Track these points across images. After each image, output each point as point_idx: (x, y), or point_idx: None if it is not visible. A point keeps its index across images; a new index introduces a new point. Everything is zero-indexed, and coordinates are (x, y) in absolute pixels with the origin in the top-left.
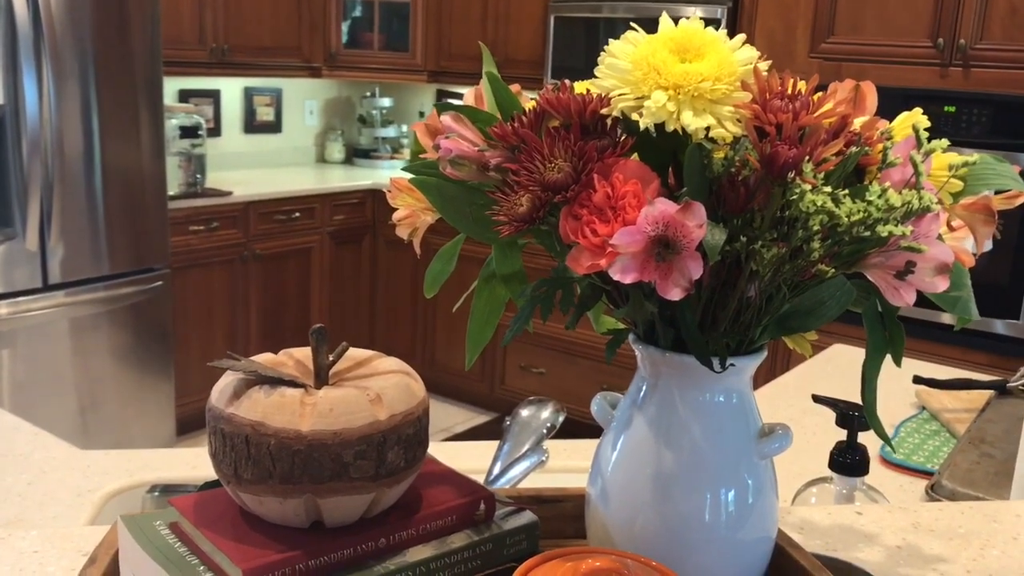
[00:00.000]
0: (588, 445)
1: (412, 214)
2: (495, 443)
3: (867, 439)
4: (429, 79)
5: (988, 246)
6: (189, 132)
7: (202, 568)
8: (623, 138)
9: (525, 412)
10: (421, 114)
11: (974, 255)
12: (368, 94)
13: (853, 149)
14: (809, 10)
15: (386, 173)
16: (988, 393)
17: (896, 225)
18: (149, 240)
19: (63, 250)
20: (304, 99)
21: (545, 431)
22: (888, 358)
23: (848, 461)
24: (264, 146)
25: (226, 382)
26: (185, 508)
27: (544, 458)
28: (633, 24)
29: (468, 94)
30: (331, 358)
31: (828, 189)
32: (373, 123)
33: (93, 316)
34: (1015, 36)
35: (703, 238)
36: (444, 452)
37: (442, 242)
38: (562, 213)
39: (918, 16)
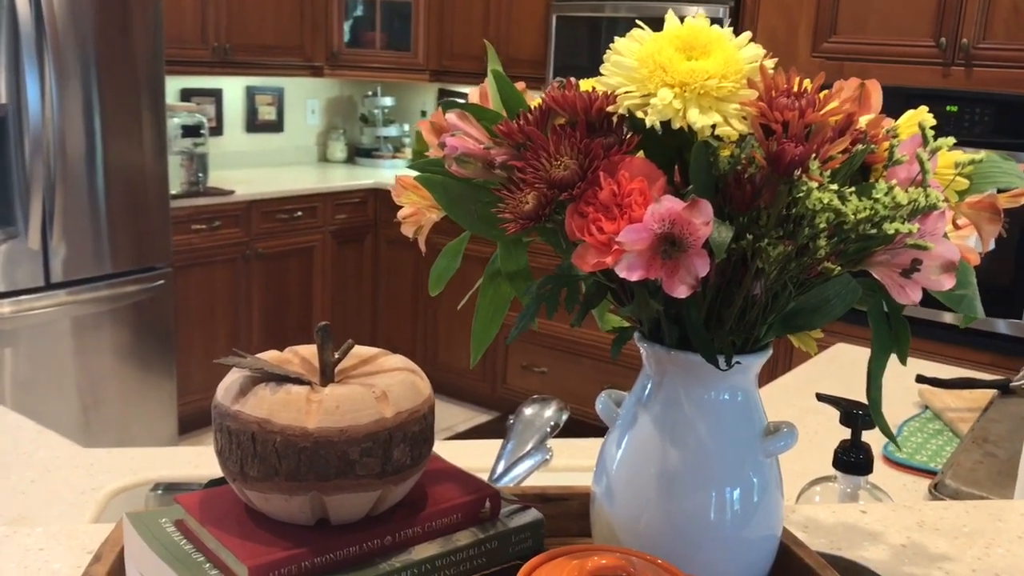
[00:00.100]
0: (591, 444)
1: (417, 212)
2: (497, 442)
3: (870, 438)
4: (431, 78)
5: (991, 245)
6: (191, 131)
7: (208, 565)
8: (629, 136)
9: (529, 410)
10: (423, 113)
11: (979, 253)
12: (370, 93)
13: (859, 147)
14: (811, 9)
15: (388, 172)
16: (991, 392)
17: (902, 223)
18: (151, 239)
19: (65, 249)
20: (306, 98)
21: (549, 430)
22: (893, 357)
23: (852, 460)
24: (266, 145)
25: (232, 379)
26: (191, 505)
27: (548, 456)
28: (639, 22)
29: (473, 92)
30: (337, 355)
31: (834, 187)
32: (375, 122)
33: (95, 315)
34: (1017, 36)
35: (709, 236)
36: (447, 451)
37: (444, 241)
38: (568, 211)
39: (920, 15)
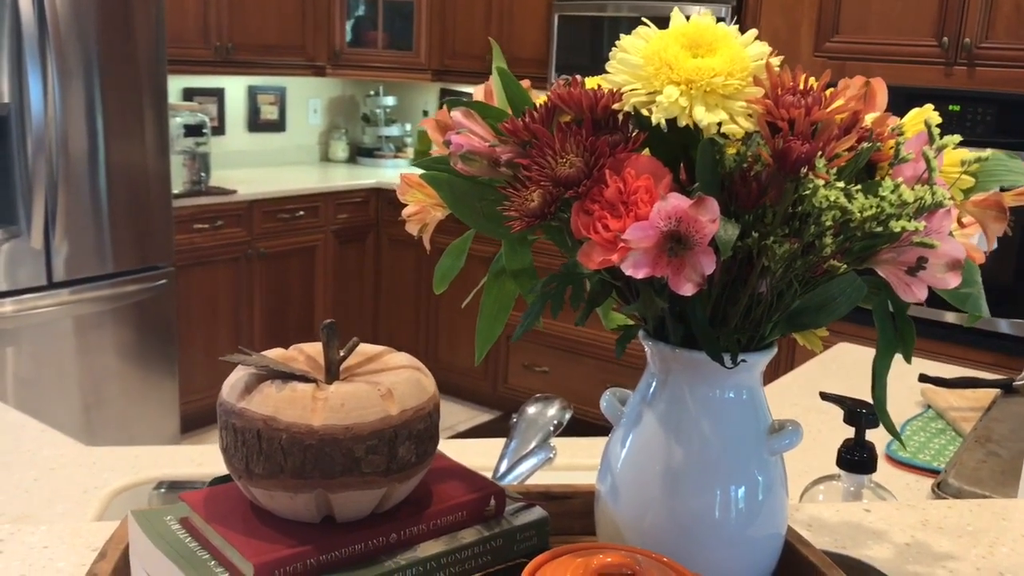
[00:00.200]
0: (594, 443)
1: (422, 210)
2: (500, 441)
3: (873, 437)
4: (433, 78)
5: (994, 244)
6: (193, 130)
7: (213, 563)
8: (635, 133)
9: (532, 409)
10: (425, 113)
11: (984, 252)
12: (372, 93)
13: (865, 145)
14: (813, 9)
15: (390, 172)
16: (994, 392)
17: (908, 220)
18: (153, 238)
19: (67, 248)
20: (308, 98)
21: (552, 428)
22: (898, 356)
23: (856, 458)
24: (268, 145)
25: (237, 377)
26: (196, 503)
27: (551, 455)
28: (644, 19)
29: (478, 90)
30: (342, 353)
31: (840, 184)
32: (377, 122)
33: (97, 314)
34: (1020, 35)
35: (716, 233)
36: (450, 449)
37: (447, 241)
38: (573, 208)
39: (923, 15)
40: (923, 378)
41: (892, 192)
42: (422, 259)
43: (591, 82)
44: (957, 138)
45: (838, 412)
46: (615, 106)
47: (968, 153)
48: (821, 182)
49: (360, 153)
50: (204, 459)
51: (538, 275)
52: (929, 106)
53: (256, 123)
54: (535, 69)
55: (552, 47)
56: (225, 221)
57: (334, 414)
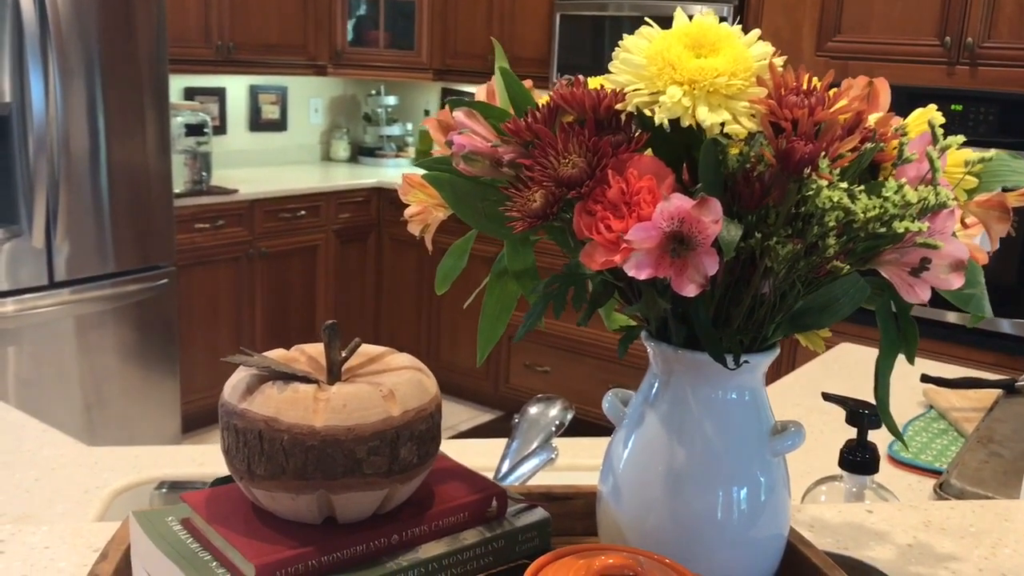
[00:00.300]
0: (595, 443)
1: (424, 210)
2: (502, 441)
3: (875, 437)
4: (434, 77)
5: (997, 244)
6: (195, 130)
7: (214, 564)
8: (638, 134)
9: (534, 409)
10: (426, 112)
11: (987, 252)
12: (373, 92)
13: (868, 145)
14: (815, 9)
15: (391, 171)
16: (996, 392)
17: (912, 221)
18: (155, 238)
19: (69, 248)
20: (309, 97)
21: (554, 429)
22: (900, 356)
23: (858, 459)
24: (269, 144)
25: (239, 378)
26: (197, 504)
27: (553, 456)
28: (647, 19)
29: (480, 90)
30: (344, 354)
31: (844, 185)
32: (378, 121)
33: (99, 314)
34: (1022, 35)
35: (718, 234)
36: (451, 449)
37: (449, 241)
38: (576, 209)
39: (925, 14)
40: (925, 378)
41: (895, 193)
42: (424, 259)
43: (594, 82)
44: (961, 138)
45: (840, 412)
46: (618, 106)
47: (972, 153)
48: (824, 183)
49: (361, 153)
50: (205, 459)
51: (540, 275)
52: (932, 106)
53: (257, 122)
54: (537, 69)
55: (554, 46)
56: (226, 221)
57: (336, 415)
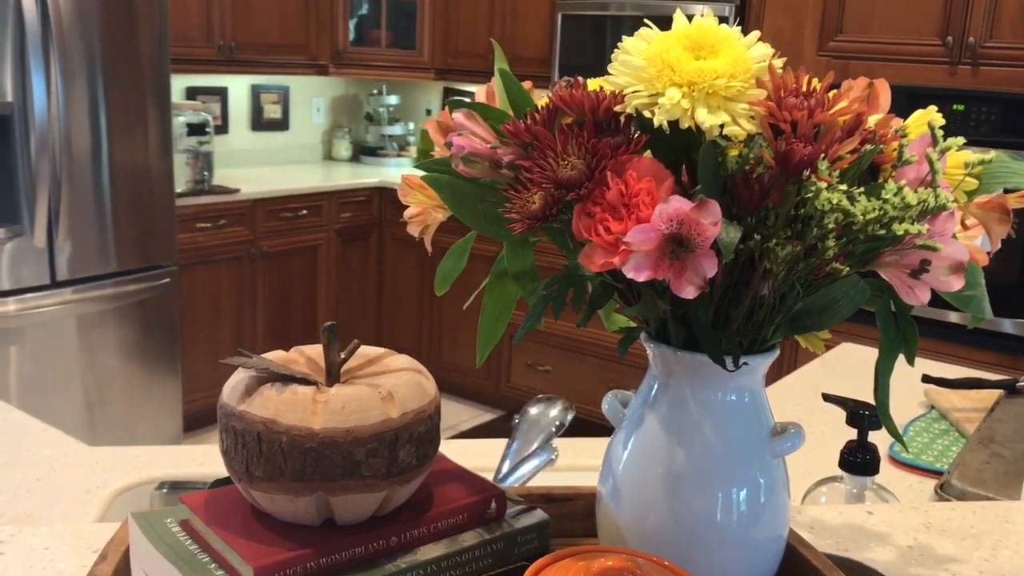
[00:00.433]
0: (596, 443)
1: (424, 211)
2: (502, 441)
3: (876, 438)
4: (436, 77)
5: (997, 246)
6: (196, 129)
7: (213, 566)
8: (637, 135)
9: (534, 410)
10: (428, 112)
11: (988, 254)
12: (375, 92)
13: (868, 147)
14: (817, 8)
15: (393, 171)
16: (997, 392)
17: (912, 223)
18: (156, 237)
19: (71, 247)
20: (311, 97)
21: (554, 429)
22: (900, 357)
23: (859, 460)
24: (271, 143)
25: (237, 379)
26: (196, 505)
27: (553, 456)
28: (647, 21)
29: (480, 91)
30: (343, 355)
31: (843, 187)
32: (380, 121)
33: (100, 313)
34: None
35: (717, 236)
36: (451, 450)
37: (449, 241)
38: (575, 211)
39: (927, 14)
40: (926, 379)
41: (895, 195)
42: (425, 258)
43: (593, 84)
44: (960, 140)
45: (840, 413)
46: (617, 108)
47: (972, 155)
48: (824, 184)
49: (363, 152)
50: (206, 459)
51: (540, 276)
52: (932, 108)
53: (259, 122)
54: (538, 68)
55: (555, 46)
56: (228, 220)
57: (334, 417)
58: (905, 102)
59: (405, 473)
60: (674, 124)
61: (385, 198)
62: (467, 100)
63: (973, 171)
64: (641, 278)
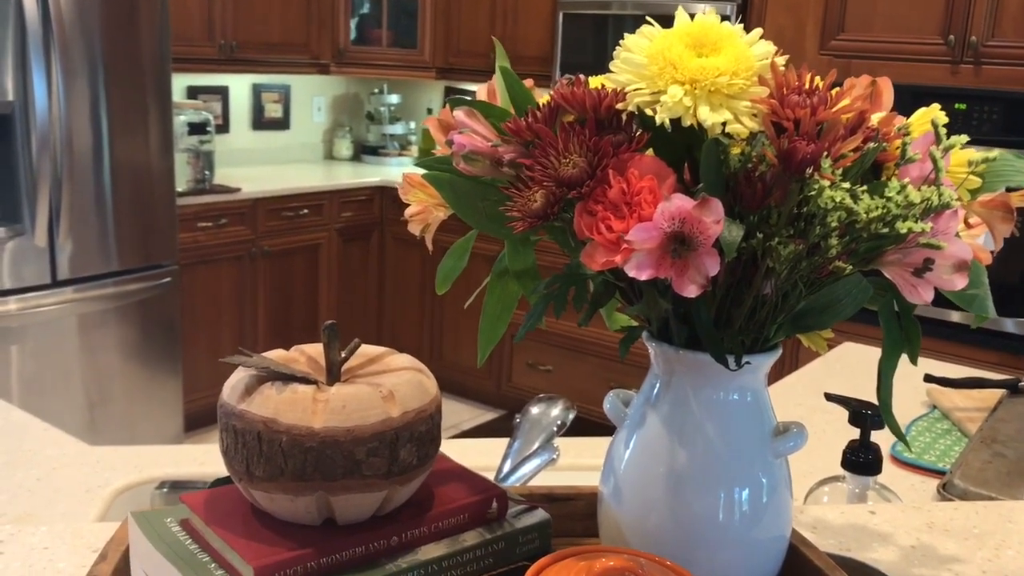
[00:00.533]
0: (598, 443)
1: (424, 210)
2: (503, 440)
3: (878, 437)
4: (437, 76)
5: (1000, 245)
6: (197, 128)
7: (213, 565)
8: (639, 133)
9: (535, 409)
10: (429, 111)
11: (991, 252)
12: (376, 91)
13: (871, 145)
14: (819, 7)
15: (394, 170)
16: (1000, 392)
17: (915, 222)
18: (157, 236)
19: (72, 246)
20: (312, 96)
21: (555, 428)
22: (904, 357)
23: (861, 460)
24: (272, 143)
25: (238, 378)
26: (196, 505)
27: (555, 456)
28: (649, 18)
29: (481, 89)
30: (343, 354)
31: (846, 185)
32: (381, 120)
33: (101, 312)
34: None
35: (720, 234)
36: (452, 449)
37: (450, 240)
38: (577, 209)
39: (929, 13)
40: (928, 378)
41: (898, 193)
42: (426, 257)
43: (595, 81)
44: (964, 138)
45: (843, 413)
46: (619, 106)
47: (975, 153)
48: (827, 183)
49: (364, 151)
50: (207, 458)
51: (541, 275)
52: (936, 106)
53: (260, 121)
54: (539, 67)
55: (556, 45)
56: (229, 219)
57: (335, 416)
58: (907, 101)
59: (406, 473)
60: (676, 122)
61: (386, 197)
62: (468, 98)
63: (977, 169)
64: (643, 277)
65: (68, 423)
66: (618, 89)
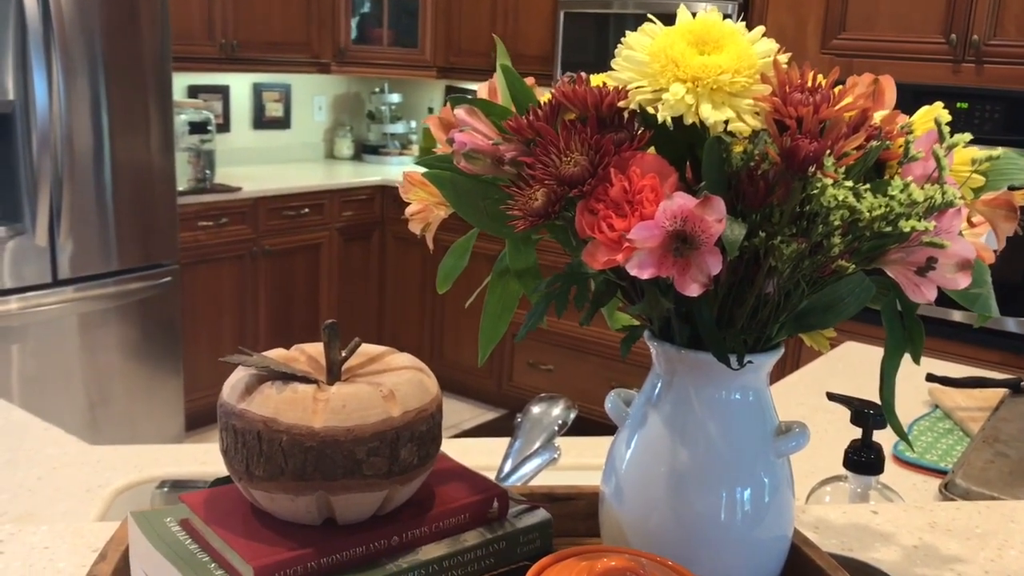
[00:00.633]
0: (599, 442)
1: (425, 208)
2: (504, 440)
3: (880, 437)
4: (438, 75)
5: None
6: (198, 128)
7: (213, 565)
8: (640, 131)
9: (536, 409)
10: (430, 110)
11: (994, 251)
12: (377, 90)
13: (874, 143)
14: (820, 6)
15: (395, 169)
16: (1002, 391)
17: (918, 220)
18: (158, 236)
19: (72, 246)
20: (313, 95)
21: (556, 428)
22: (906, 356)
23: (863, 460)
24: (273, 142)
25: (238, 378)
26: (196, 504)
27: (556, 455)
28: (650, 16)
29: (482, 87)
30: (344, 354)
31: (849, 183)
32: (382, 119)
33: (102, 312)
34: None
35: (722, 233)
36: (453, 449)
37: (451, 239)
38: (578, 208)
39: (931, 12)
40: (930, 377)
41: (901, 191)
42: (427, 256)
43: (596, 79)
44: (967, 136)
45: (845, 412)
46: (620, 104)
47: (978, 152)
48: (829, 181)
49: (365, 150)
50: (208, 458)
51: (542, 274)
52: (939, 104)
53: (261, 120)
54: (540, 66)
55: (557, 44)
56: (230, 218)
57: (335, 416)
58: (909, 100)
59: (406, 472)
60: (678, 120)
61: (387, 196)
62: (469, 96)
63: (980, 168)
64: (645, 276)
65: (69, 422)
66: (620, 87)
